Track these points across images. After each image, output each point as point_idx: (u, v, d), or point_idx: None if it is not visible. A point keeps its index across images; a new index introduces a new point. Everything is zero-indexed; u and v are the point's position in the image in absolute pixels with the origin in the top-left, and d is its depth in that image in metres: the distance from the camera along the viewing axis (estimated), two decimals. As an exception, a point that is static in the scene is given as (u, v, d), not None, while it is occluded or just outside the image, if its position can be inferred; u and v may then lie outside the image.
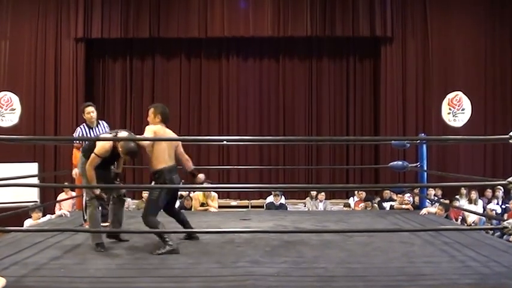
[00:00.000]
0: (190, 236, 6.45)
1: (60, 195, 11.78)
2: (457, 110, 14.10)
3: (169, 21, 13.81)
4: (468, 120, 14.08)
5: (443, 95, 14.10)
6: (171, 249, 5.64)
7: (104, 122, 7.61)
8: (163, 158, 5.97)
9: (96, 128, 7.38)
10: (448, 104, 14.10)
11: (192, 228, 6.46)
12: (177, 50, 14.75)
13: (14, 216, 6.32)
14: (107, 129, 7.47)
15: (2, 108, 13.75)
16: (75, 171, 7.41)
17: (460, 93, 14.08)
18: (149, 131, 5.97)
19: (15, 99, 13.78)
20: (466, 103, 14.08)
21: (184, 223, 6.46)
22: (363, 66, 14.81)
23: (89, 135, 7.29)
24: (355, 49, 14.75)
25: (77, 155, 7.37)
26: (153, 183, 6.28)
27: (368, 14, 13.79)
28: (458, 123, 14.11)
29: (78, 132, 7.38)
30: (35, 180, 11.37)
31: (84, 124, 7.42)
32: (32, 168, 12.22)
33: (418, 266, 5.11)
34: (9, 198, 10.89)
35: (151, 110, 6.17)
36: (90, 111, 7.35)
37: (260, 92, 14.81)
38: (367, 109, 14.77)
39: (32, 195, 12.16)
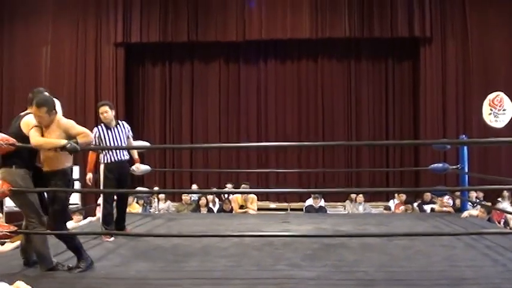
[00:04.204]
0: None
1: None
2: (498, 110, 13.82)
3: (208, 25, 13.88)
4: (510, 121, 13.80)
5: (484, 95, 13.84)
6: (87, 266, 5.07)
7: (124, 123, 7.22)
8: (67, 154, 5.16)
9: (115, 129, 6.99)
10: (489, 105, 13.83)
11: None
12: (216, 53, 14.80)
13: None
14: (128, 131, 7.14)
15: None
16: (90, 176, 7.26)
17: (501, 94, 13.78)
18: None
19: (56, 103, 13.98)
20: (508, 103, 13.78)
21: None
22: (402, 67, 14.67)
23: (107, 136, 6.91)
24: (394, 50, 14.63)
25: (93, 157, 7.25)
26: (52, 183, 5.06)
27: (406, 14, 13.62)
28: (499, 123, 13.82)
29: (95, 132, 6.84)
30: (77, 184, 11.56)
31: (102, 124, 7.01)
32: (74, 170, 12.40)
33: (461, 270, 5.05)
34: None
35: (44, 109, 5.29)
36: (103, 112, 6.93)
37: (299, 94, 14.78)
38: (406, 110, 14.63)
39: (74, 198, 12.37)
